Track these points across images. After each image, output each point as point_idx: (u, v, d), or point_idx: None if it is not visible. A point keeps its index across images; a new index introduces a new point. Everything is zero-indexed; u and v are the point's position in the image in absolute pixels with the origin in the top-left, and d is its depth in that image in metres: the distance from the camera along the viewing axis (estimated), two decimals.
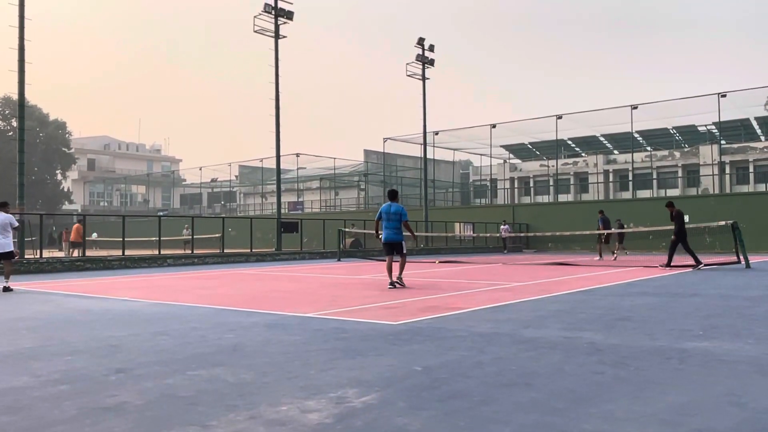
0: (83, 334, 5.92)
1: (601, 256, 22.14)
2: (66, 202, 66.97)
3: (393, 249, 11.30)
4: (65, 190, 67.63)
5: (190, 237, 30.70)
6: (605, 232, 22.02)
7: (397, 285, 10.88)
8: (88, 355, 4.85)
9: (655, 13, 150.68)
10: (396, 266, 11.18)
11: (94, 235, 41.22)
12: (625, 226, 25.47)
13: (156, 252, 21.64)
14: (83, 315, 7.51)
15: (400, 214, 11.27)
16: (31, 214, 22.39)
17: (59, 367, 4.39)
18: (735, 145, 45.72)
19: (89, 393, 3.64)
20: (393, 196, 11.67)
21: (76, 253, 24.46)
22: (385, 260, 11.71)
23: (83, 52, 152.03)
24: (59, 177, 66.95)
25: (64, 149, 65.55)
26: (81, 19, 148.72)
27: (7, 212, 11.35)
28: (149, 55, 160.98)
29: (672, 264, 16.04)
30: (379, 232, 11.53)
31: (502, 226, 33.27)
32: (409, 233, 11.49)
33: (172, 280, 13.71)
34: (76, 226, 25.94)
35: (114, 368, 4.31)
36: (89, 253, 24.66)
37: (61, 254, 25.84)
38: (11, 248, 11.35)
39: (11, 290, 10.98)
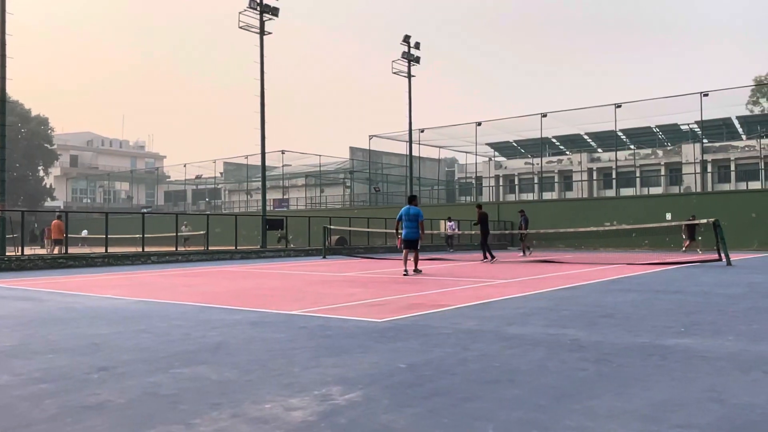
0: (65, 332, 5.86)
1: (524, 252, 23.63)
2: (48, 199, 66.27)
3: (409, 245, 13.50)
4: (47, 186, 66.92)
5: (189, 234, 30.59)
6: (525, 231, 23.85)
7: (414, 274, 13.14)
8: (70, 353, 4.80)
9: (639, 13, 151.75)
10: (411, 260, 13.48)
11: (84, 233, 40.78)
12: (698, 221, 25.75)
13: (140, 249, 21.47)
14: (65, 313, 7.44)
15: (417, 215, 13.50)
16: (13, 211, 22.12)
17: (40, 365, 4.34)
18: (717, 144, 46.26)
19: (70, 391, 3.60)
20: (412, 200, 13.90)
21: (57, 251, 24.17)
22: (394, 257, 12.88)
23: (66, 48, 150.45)
24: (41, 173, 66.26)
25: (46, 145, 64.87)
26: (64, 16, 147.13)
27: None
28: (133, 52, 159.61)
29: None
30: (399, 231, 13.66)
31: (447, 223, 31.51)
32: (421, 231, 13.54)
33: (156, 277, 13.62)
34: (56, 222, 25.51)
35: (96, 366, 4.27)
36: (77, 250, 24.42)
37: (43, 251, 25.55)
38: None
39: None
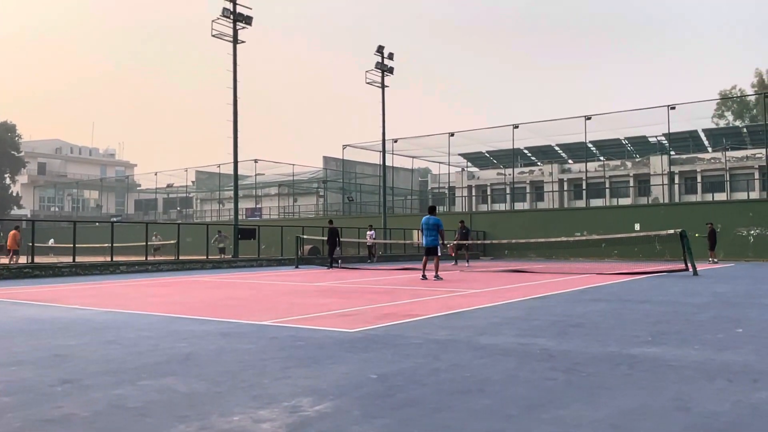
0: (29, 344, 5.73)
1: (456, 262, 24.20)
2: (15, 207, 64.93)
3: (429, 252, 14.62)
4: (14, 194, 65.66)
5: (161, 244, 30.37)
6: (461, 242, 24.32)
7: (434, 278, 14.13)
8: (34, 365, 4.70)
9: (608, 27, 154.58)
10: (432, 265, 14.55)
11: (51, 242, 40.06)
12: (717, 230, 26.03)
13: (109, 259, 21.12)
14: (30, 324, 7.28)
15: (437, 225, 14.65)
16: None
17: (2, 378, 4.24)
18: (684, 156, 47.15)
19: (34, 405, 3.52)
20: (432, 210, 15.07)
21: (13, 260, 23.69)
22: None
23: (35, 55, 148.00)
24: (8, 181, 65.03)
25: (13, 152, 63.76)
26: (33, 23, 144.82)
27: None
28: (103, 58, 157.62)
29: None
30: (420, 240, 15.00)
31: (368, 232, 29.58)
32: (440, 239, 14.76)
33: (125, 287, 13.40)
34: (13, 232, 25.15)
35: (61, 379, 4.19)
36: (44, 259, 23.93)
37: (6, 260, 25.00)
38: None
39: None
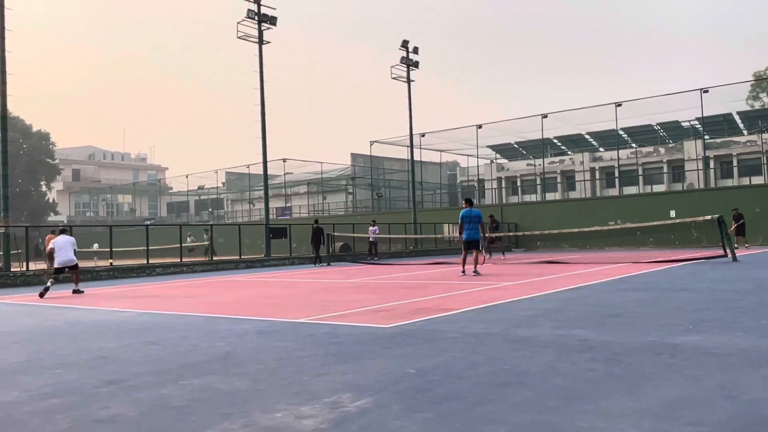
0: (73, 346, 5.87)
1: (490, 254, 23.72)
2: (51, 214, 66.45)
3: (471, 245, 14.09)
4: (50, 201, 67.12)
5: (195, 244, 30.80)
6: (494, 235, 24.25)
7: (473, 274, 13.57)
8: (79, 367, 4.81)
9: (636, 11, 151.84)
10: (471, 259, 14.05)
11: (96, 246, 40.95)
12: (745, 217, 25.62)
13: (144, 261, 21.49)
14: (72, 327, 7.45)
15: (479, 217, 14.18)
16: (17, 227, 22.18)
17: (49, 380, 4.35)
18: (718, 140, 46.12)
19: (81, 406, 3.61)
20: (471, 202, 14.61)
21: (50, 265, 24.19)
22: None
23: (66, 62, 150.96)
24: (44, 188, 66.50)
25: (48, 160, 65.12)
26: (63, 29, 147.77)
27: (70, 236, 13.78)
28: (133, 64, 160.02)
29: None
30: (461, 234, 14.25)
31: (370, 227, 27.55)
32: (482, 232, 14.34)
33: (162, 289, 13.63)
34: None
35: (105, 380, 4.28)
36: (89, 264, 24.42)
37: (45, 266, 25.58)
38: (76, 261, 13.42)
39: (82, 292, 12.99)
